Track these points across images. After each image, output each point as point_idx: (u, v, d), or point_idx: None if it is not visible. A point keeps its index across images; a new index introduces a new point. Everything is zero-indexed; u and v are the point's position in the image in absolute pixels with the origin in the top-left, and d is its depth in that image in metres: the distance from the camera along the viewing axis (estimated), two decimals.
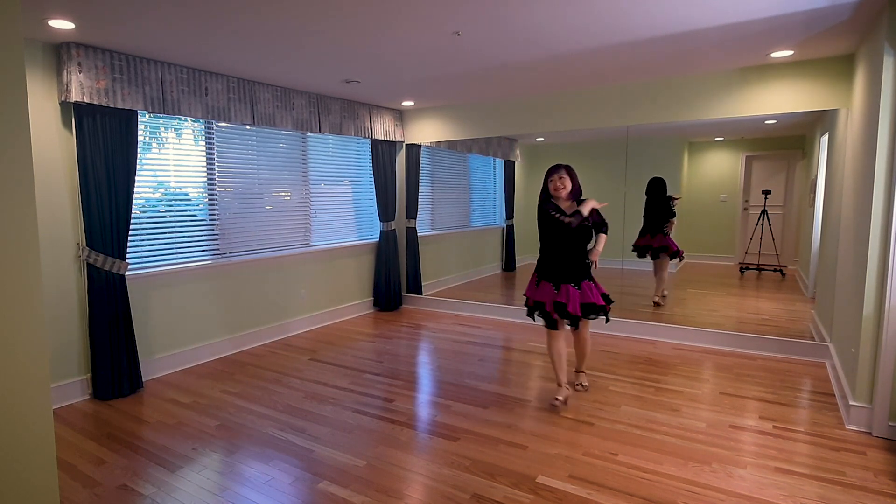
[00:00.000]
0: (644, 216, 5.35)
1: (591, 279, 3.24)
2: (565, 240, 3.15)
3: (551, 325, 3.22)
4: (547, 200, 3.21)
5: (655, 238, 5.29)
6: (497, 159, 6.38)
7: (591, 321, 3.30)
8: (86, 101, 3.21)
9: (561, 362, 3.23)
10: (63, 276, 3.37)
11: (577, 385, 3.50)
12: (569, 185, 3.17)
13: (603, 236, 3.30)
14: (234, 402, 3.39)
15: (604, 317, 3.21)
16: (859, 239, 3.01)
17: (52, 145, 3.27)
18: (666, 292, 5.49)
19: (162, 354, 3.93)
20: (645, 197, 5.37)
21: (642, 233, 5.35)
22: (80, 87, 3.19)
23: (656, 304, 5.43)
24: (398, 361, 4.15)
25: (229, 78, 4.09)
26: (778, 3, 2.67)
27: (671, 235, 5.31)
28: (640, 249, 5.34)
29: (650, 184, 5.32)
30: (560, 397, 3.16)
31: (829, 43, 3.38)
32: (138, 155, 3.55)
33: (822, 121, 4.54)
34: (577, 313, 3.11)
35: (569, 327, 3.30)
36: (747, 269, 5.71)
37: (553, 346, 3.24)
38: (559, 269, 3.17)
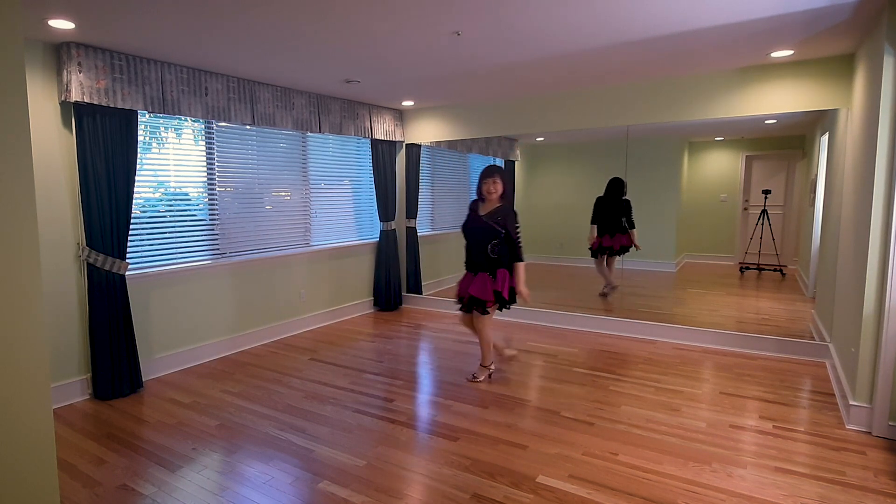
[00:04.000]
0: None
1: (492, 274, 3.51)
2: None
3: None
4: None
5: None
6: (497, 159, 6.37)
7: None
8: (86, 100, 3.21)
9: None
10: (63, 276, 3.37)
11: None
12: (500, 189, 3.54)
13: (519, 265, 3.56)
14: (234, 401, 3.39)
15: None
16: (859, 239, 3.01)
17: (52, 145, 3.27)
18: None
19: (162, 354, 3.93)
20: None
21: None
22: (80, 86, 3.19)
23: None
24: (398, 361, 4.15)
25: (229, 78, 4.08)
26: (778, 3, 2.67)
27: None
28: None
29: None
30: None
31: (829, 43, 3.38)
32: (138, 155, 3.55)
33: (822, 121, 4.54)
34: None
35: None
36: (747, 268, 5.71)
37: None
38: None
